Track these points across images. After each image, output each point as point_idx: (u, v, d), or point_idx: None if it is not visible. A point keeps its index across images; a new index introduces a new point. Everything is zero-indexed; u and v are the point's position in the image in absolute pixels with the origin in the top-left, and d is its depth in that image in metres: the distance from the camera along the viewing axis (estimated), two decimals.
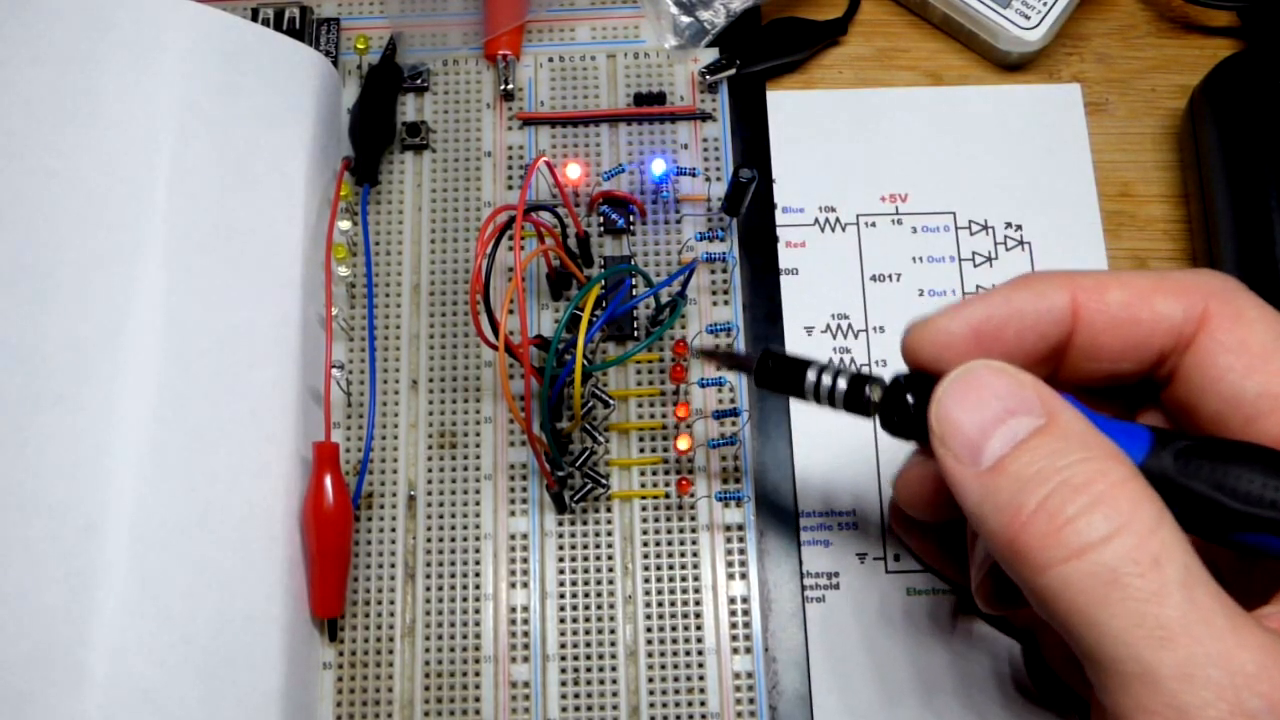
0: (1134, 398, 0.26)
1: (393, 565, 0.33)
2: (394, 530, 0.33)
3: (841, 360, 0.26)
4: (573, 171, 0.35)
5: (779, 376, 0.27)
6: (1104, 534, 0.20)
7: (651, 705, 0.32)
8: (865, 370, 0.26)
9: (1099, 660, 0.20)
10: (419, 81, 0.37)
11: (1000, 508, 0.21)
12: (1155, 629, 0.19)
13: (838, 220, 0.37)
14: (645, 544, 0.33)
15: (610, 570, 0.33)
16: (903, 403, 0.24)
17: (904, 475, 0.27)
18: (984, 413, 0.22)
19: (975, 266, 0.37)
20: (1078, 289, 0.24)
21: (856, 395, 0.25)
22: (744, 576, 0.33)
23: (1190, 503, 0.21)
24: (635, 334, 0.35)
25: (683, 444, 0.33)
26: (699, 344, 0.34)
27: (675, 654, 0.32)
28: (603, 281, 0.32)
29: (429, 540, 0.33)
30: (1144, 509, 0.20)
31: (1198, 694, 0.19)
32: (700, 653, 0.32)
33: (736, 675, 0.32)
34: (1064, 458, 0.21)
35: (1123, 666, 0.19)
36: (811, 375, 0.26)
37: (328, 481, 0.32)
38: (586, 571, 0.33)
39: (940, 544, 0.30)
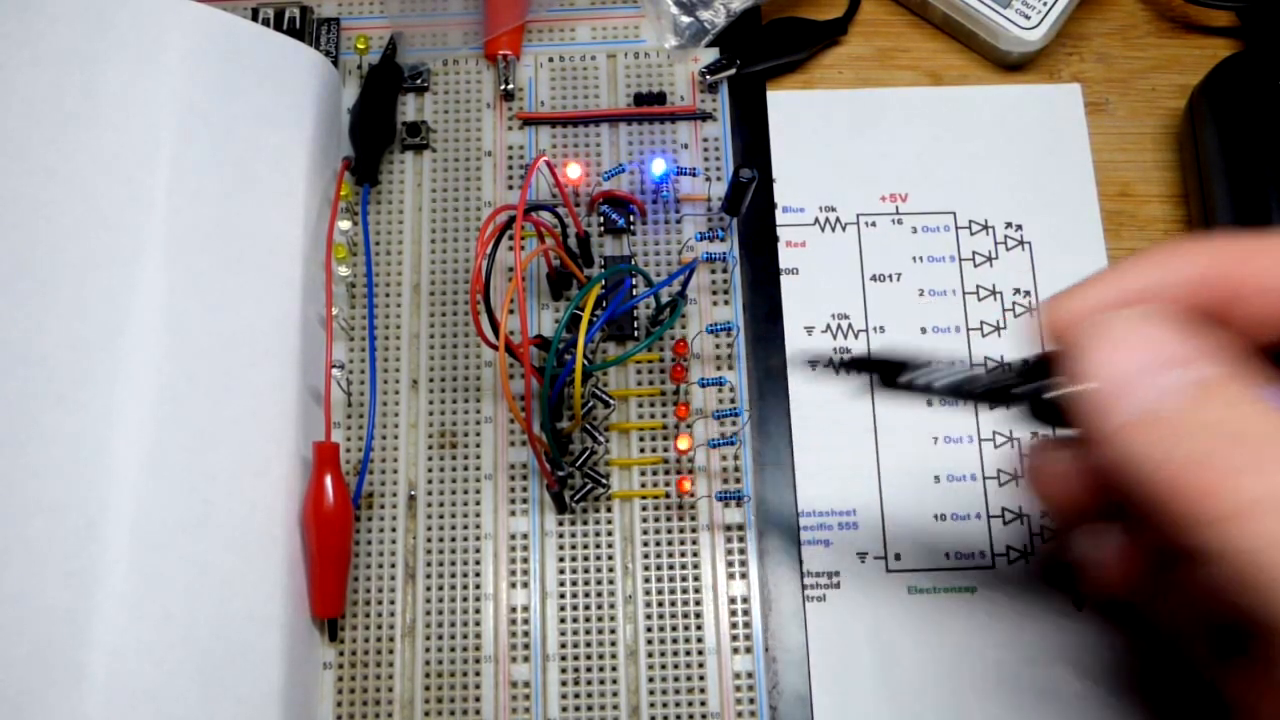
0: None
1: (393, 565, 0.33)
2: (394, 530, 0.33)
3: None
4: (573, 171, 0.35)
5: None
6: None
7: (651, 705, 0.32)
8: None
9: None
10: (419, 81, 0.37)
11: (1167, 457, 0.19)
12: None
13: (838, 220, 0.37)
14: (645, 544, 0.33)
15: (610, 570, 0.33)
16: (1050, 380, 0.22)
17: (1042, 471, 0.24)
18: (1147, 356, 0.20)
19: (975, 266, 0.37)
20: (1227, 259, 0.22)
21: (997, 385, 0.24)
22: (744, 576, 0.33)
23: None
24: (635, 334, 0.35)
25: (683, 444, 0.33)
26: (808, 356, 0.29)
27: (675, 654, 0.32)
28: (603, 281, 0.32)
29: (429, 540, 0.33)
30: None
31: None
32: (700, 653, 0.32)
33: (736, 675, 0.32)
34: (1241, 405, 0.19)
35: None
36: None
37: (328, 481, 0.32)
38: (587, 571, 0.33)
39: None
